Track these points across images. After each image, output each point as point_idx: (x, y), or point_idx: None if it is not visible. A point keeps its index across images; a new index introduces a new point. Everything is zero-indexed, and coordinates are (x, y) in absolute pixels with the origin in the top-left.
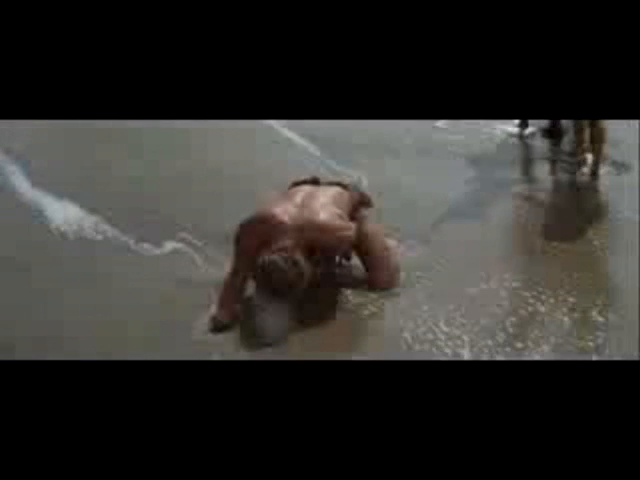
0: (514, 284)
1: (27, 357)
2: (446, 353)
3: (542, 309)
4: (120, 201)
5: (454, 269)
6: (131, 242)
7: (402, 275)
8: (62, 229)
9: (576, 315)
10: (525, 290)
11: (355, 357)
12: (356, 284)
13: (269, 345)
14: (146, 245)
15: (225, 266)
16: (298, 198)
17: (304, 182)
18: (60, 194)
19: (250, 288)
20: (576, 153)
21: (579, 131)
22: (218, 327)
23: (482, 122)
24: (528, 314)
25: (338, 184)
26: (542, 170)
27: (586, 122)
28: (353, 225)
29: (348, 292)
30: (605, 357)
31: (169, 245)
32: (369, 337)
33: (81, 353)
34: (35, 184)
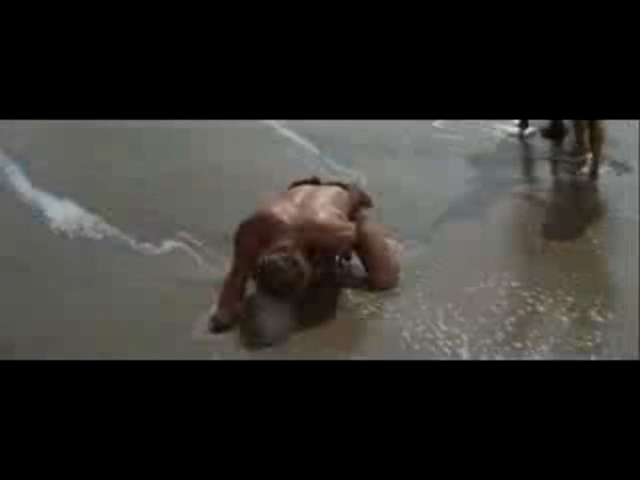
0: (513, 283)
1: (27, 357)
2: (445, 352)
3: (541, 309)
4: (120, 201)
5: (454, 269)
6: (131, 242)
7: (402, 275)
8: (62, 229)
9: (575, 315)
10: (524, 290)
11: (355, 357)
12: (356, 284)
13: (269, 345)
14: (146, 245)
15: (225, 266)
16: (298, 198)
17: (304, 182)
18: (60, 194)
19: (251, 288)
20: (577, 153)
21: (579, 131)
22: (218, 327)
23: (482, 122)
24: (527, 314)
25: (338, 184)
26: (542, 170)
27: (585, 122)
28: (352, 225)
29: (348, 292)
30: (604, 357)
31: (169, 245)
32: (369, 337)
33: (81, 353)
34: (35, 184)
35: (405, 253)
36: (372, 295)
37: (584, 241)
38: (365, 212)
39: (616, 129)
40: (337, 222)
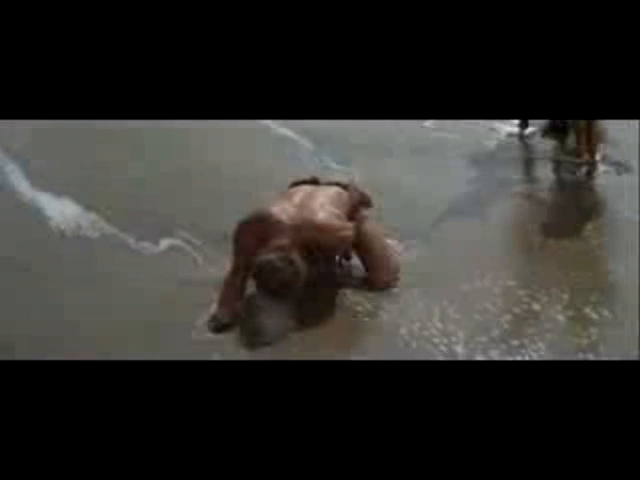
0: (511, 282)
1: (27, 357)
2: (442, 350)
3: (537, 307)
4: (120, 200)
5: (454, 268)
6: (131, 241)
7: (402, 274)
8: (62, 228)
9: (570, 312)
10: (522, 288)
11: (354, 356)
12: (356, 284)
13: (268, 344)
14: (146, 245)
15: (225, 265)
16: (297, 198)
17: (304, 182)
18: (59, 193)
19: (251, 287)
20: (577, 153)
21: (579, 131)
22: (219, 326)
23: (481, 121)
24: (523, 311)
25: (338, 184)
26: (542, 170)
27: (584, 122)
28: (351, 225)
29: (347, 291)
30: (600, 354)
31: (169, 244)
32: (368, 336)
33: (81, 353)
34: (34, 183)
35: (405, 253)
36: (371, 295)
37: (583, 240)
38: (365, 212)
39: (616, 129)
40: (336, 222)
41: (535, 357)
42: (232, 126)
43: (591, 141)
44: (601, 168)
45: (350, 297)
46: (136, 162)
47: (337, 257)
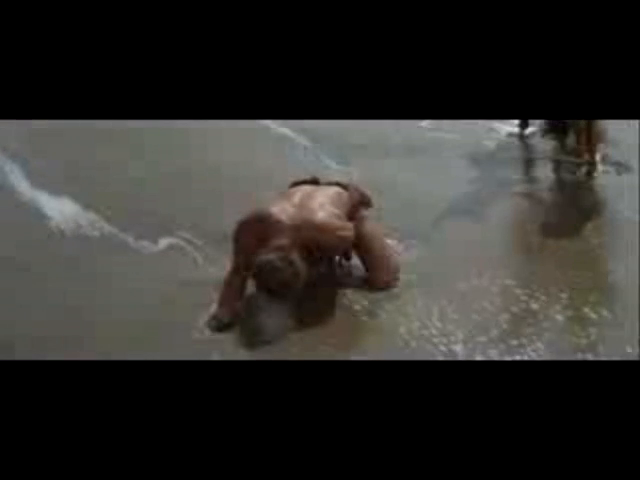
0: (510, 282)
1: (27, 357)
2: (442, 351)
3: (535, 306)
4: (120, 200)
5: (453, 268)
6: (131, 241)
7: (401, 274)
8: (61, 228)
9: (569, 312)
10: (521, 288)
11: (354, 356)
12: (356, 284)
13: (268, 344)
14: (146, 244)
15: (225, 265)
16: (296, 198)
17: (304, 182)
18: (59, 193)
19: (251, 287)
20: (577, 153)
21: (579, 131)
22: (219, 326)
23: (480, 121)
24: (521, 311)
25: (338, 184)
26: (542, 169)
27: (583, 122)
28: (351, 225)
29: (348, 291)
30: (599, 354)
31: (169, 244)
32: (367, 336)
33: (81, 353)
34: (34, 183)
35: (404, 253)
36: (371, 294)
37: (582, 240)
38: (365, 212)
39: (616, 129)
40: (336, 222)
41: (534, 357)
42: (232, 126)
43: (591, 141)
44: (601, 168)
45: (350, 297)
46: (136, 162)
47: (337, 257)
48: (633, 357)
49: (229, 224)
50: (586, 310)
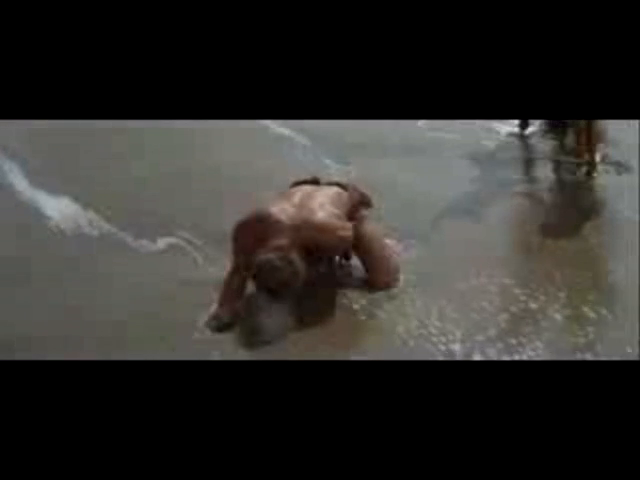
0: (509, 281)
1: (27, 357)
2: (440, 350)
3: (535, 305)
4: (120, 200)
5: (452, 268)
6: (130, 241)
7: (401, 274)
8: (61, 227)
9: (568, 311)
10: (519, 287)
11: (353, 356)
12: (356, 284)
13: (268, 343)
14: (146, 244)
15: (225, 265)
16: (296, 197)
17: (304, 182)
18: (58, 193)
19: (251, 287)
20: (577, 153)
21: (579, 131)
22: (220, 326)
23: (479, 121)
24: (521, 310)
25: (338, 184)
26: (542, 170)
27: (583, 122)
28: (350, 225)
29: (347, 291)
30: (597, 353)
31: (169, 244)
32: (367, 336)
33: (81, 353)
34: (33, 183)
35: (404, 253)
36: (371, 295)
37: (582, 240)
38: (365, 212)
39: (616, 129)
40: (335, 222)
41: (532, 356)
42: (232, 126)
43: (591, 141)
44: (601, 168)
45: (349, 297)
46: (136, 162)
47: (337, 258)
48: (632, 357)
49: (229, 224)
50: (585, 309)
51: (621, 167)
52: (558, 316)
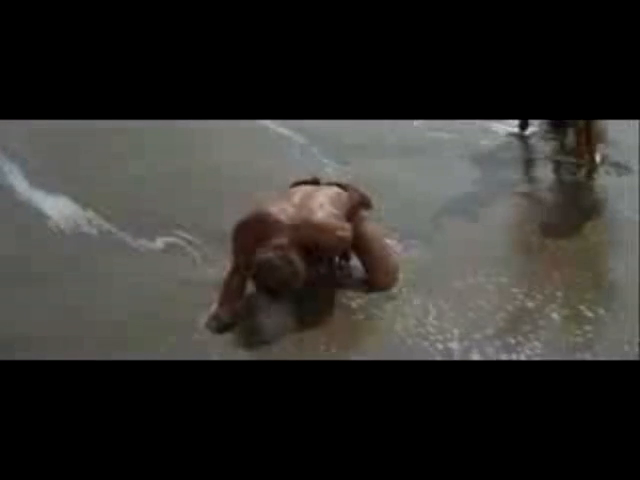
0: (507, 280)
1: (27, 357)
2: (438, 348)
3: (532, 305)
4: (120, 200)
5: (451, 267)
6: (130, 241)
7: (401, 275)
8: (61, 227)
9: (565, 310)
10: (517, 286)
11: (353, 355)
12: (355, 285)
13: (268, 344)
14: (146, 244)
15: (225, 265)
16: (296, 197)
17: (304, 182)
18: (58, 193)
19: (251, 287)
20: (577, 153)
21: (579, 131)
22: (219, 326)
23: (479, 121)
24: (519, 309)
25: (338, 185)
26: (542, 170)
27: (583, 123)
28: (349, 226)
29: (347, 292)
30: (595, 353)
31: (169, 244)
32: (366, 336)
33: (81, 353)
34: (33, 183)
35: (404, 253)
36: (370, 295)
37: (581, 240)
38: (365, 213)
39: (616, 129)
40: (334, 222)
41: (530, 354)
42: (232, 126)
43: (591, 141)
44: (601, 168)
45: (349, 297)
46: (136, 161)
47: (337, 258)
48: (630, 356)
49: (229, 224)
50: (582, 308)
51: (621, 168)
52: (556, 315)
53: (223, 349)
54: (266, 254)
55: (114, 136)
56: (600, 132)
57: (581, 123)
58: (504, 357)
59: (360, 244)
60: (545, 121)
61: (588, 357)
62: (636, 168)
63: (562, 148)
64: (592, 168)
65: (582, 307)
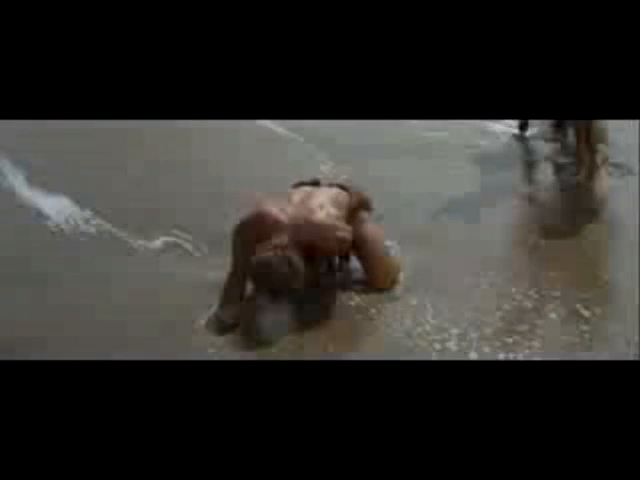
0: (507, 280)
1: (27, 357)
2: (436, 348)
3: (530, 304)
4: (119, 200)
5: (450, 268)
6: (130, 241)
7: (401, 275)
8: (61, 227)
9: (562, 310)
10: (516, 286)
11: (353, 356)
12: (355, 285)
13: (268, 344)
14: (146, 244)
15: (225, 265)
16: (296, 198)
17: (305, 183)
18: (58, 193)
19: (251, 287)
20: (577, 154)
21: (579, 132)
22: (220, 327)
23: (479, 122)
24: (516, 309)
25: (338, 185)
26: (542, 170)
27: (583, 122)
28: (349, 226)
29: (347, 292)
30: (593, 353)
31: (169, 244)
32: (366, 336)
33: (81, 353)
34: (33, 183)
35: (404, 253)
36: (370, 295)
37: (580, 240)
38: (365, 214)
39: (616, 129)
40: (334, 222)
41: (528, 354)
42: (232, 126)
43: (591, 141)
44: (601, 170)
45: (349, 297)
46: (135, 161)
47: (337, 259)
48: (628, 357)
49: (229, 224)
50: (580, 308)
51: (621, 168)
52: (554, 315)
53: (223, 349)
54: (266, 254)
55: (114, 136)
56: (600, 132)
57: (581, 123)
58: (502, 357)
59: (360, 244)
60: (545, 122)
61: (586, 357)
62: (636, 168)
63: (562, 150)
64: (592, 169)
65: (580, 307)
